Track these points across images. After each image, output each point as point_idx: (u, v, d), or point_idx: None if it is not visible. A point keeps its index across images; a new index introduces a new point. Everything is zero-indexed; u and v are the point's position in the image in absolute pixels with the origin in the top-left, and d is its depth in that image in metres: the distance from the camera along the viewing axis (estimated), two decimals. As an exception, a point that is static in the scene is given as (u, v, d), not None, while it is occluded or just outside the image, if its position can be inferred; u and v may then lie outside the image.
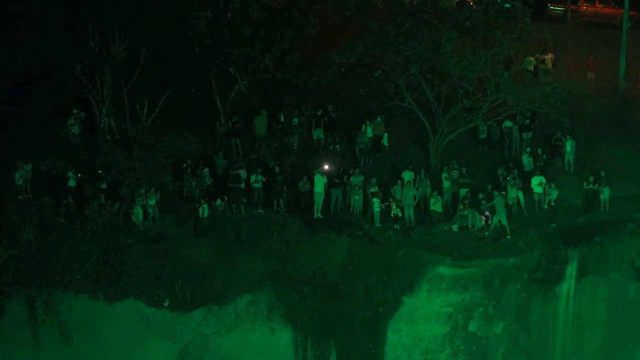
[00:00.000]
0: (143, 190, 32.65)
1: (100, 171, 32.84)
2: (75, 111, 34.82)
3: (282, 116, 36.93)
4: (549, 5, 46.46)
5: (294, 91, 37.61)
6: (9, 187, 32.53)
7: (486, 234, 34.45)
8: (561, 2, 46.70)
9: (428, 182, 35.63)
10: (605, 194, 35.31)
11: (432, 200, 34.97)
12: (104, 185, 32.55)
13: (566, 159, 37.10)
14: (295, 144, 36.51)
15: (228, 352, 32.76)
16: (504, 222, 34.21)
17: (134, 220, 32.76)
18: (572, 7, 46.55)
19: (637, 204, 35.55)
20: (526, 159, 36.52)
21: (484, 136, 37.84)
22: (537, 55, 39.63)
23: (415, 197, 35.02)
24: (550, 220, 34.96)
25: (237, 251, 32.65)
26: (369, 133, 37.10)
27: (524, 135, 37.78)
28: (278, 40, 35.97)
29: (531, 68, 39.06)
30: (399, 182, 35.19)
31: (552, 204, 35.08)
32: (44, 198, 32.68)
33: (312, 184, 34.80)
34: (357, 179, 35.23)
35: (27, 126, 33.88)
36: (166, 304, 31.94)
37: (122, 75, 34.56)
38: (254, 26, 35.54)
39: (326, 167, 35.15)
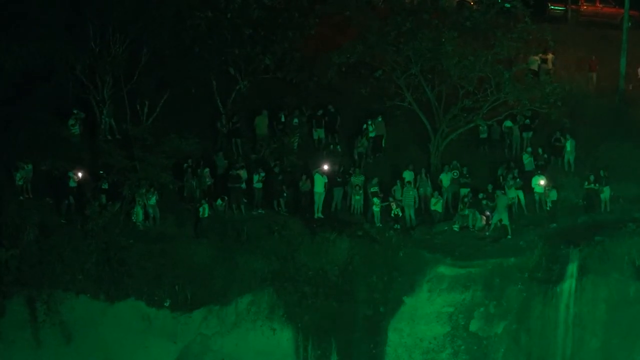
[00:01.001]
0: (144, 191, 32.65)
1: (101, 172, 32.85)
2: (75, 111, 34.80)
3: (282, 116, 36.96)
4: (550, 5, 46.47)
5: (295, 91, 37.64)
6: (10, 188, 32.52)
7: (487, 233, 34.44)
8: (562, 2, 46.71)
9: (429, 182, 35.63)
10: (606, 193, 35.30)
11: (433, 200, 34.97)
12: (105, 186, 32.56)
13: (566, 158, 37.12)
14: (296, 144, 36.53)
15: (229, 352, 32.75)
16: (505, 221, 34.21)
17: (135, 220, 32.75)
18: (573, 6, 46.57)
19: (638, 204, 35.52)
20: (527, 159, 36.53)
21: (485, 136, 37.87)
22: (540, 54, 39.74)
23: (415, 197, 35.02)
24: (551, 220, 34.96)
25: (237, 251, 32.63)
26: (371, 133, 37.14)
27: (525, 135, 37.82)
28: (278, 40, 35.96)
29: (535, 68, 39.12)
30: (398, 182, 35.21)
31: (550, 203, 35.06)
32: (45, 198, 32.66)
33: (312, 184, 34.81)
34: (357, 179, 35.24)
35: (28, 126, 33.88)
36: (167, 304, 31.93)
37: (122, 75, 34.55)
38: (255, 26, 35.54)
39: (325, 167, 35.09)
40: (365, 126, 37.13)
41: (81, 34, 33.93)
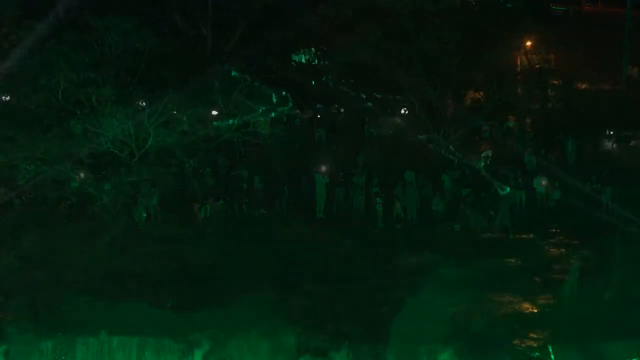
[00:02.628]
0: (146, 191, 32.70)
1: (104, 172, 32.91)
2: (78, 112, 34.81)
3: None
4: (552, 5, 46.53)
5: (297, 91, 37.67)
6: (12, 188, 32.56)
7: (488, 234, 34.45)
8: (563, 2, 46.76)
9: (430, 182, 35.65)
10: (608, 193, 35.29)
11: (435, 200, 34.99)
12: (107, 186, 32.59)
13: (567, 158, 37.15)
14: (298, 144, 36.58)
15: (231, 352, 32.76)
16: (507, 222, 34.21)
17: (136, 220, 32.78)
18: (575, 7, 46.62)
19: (640, 204, 35.59)
20: (528, 159, 36.54)
21: (487, 135, 37.90)
22: (542, 54, 39.81)
23: (417, 197, 35.03)
24: (552, 220, 34.95)
25: (239, 251, 32.67)
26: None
27: (527, 135, 37.87)
28: (281, 40, 36.01)
29: (528, 67, 39.19)
30: (400, 181, 35.23)
31: (552, 203, 35.07)
32: (47, 199, 32.69)
33: (313, 184, 34.84)
34: (359, 179, 35.27)
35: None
36: (169, 305, 31.95)
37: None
38: (257, 26, 35.60)
39: (324, 168, 35.07)
40: (367, 126, 37.23)
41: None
